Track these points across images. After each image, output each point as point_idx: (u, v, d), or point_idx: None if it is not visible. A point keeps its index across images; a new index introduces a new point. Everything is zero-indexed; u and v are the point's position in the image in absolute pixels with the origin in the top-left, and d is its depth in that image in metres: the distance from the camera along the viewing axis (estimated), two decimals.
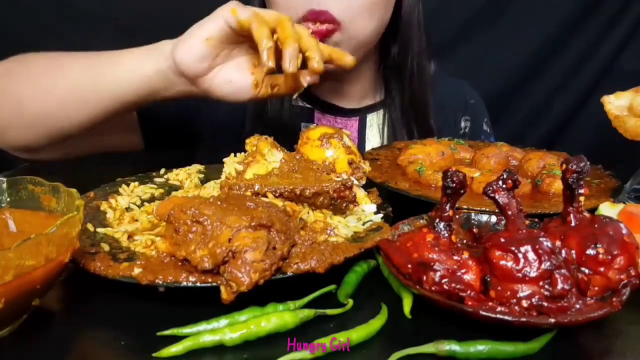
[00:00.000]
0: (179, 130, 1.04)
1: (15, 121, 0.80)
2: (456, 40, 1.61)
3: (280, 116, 1.02)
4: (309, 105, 1.07)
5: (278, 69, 0.68)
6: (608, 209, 0.62)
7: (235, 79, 0.73)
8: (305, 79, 0.72)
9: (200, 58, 0.70)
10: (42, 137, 0.80)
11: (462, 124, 1.17)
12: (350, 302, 0.51)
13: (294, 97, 0.74)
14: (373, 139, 1.08)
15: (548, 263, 0.46)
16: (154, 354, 0.44)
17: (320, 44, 0.70)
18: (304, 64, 0.69)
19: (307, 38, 0.68)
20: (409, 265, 0.50)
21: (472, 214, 0.63)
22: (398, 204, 0.67)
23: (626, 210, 0.61)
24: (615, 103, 0.78)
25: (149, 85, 0.74)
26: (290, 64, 0.65)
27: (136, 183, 0.74)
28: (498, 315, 0.45)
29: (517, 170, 0.84)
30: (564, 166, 0.53)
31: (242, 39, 0.70)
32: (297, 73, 0.71)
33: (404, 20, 1.01)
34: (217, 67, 0.72)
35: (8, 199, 0.56)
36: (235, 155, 0.68)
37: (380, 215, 0.64)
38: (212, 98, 0.75)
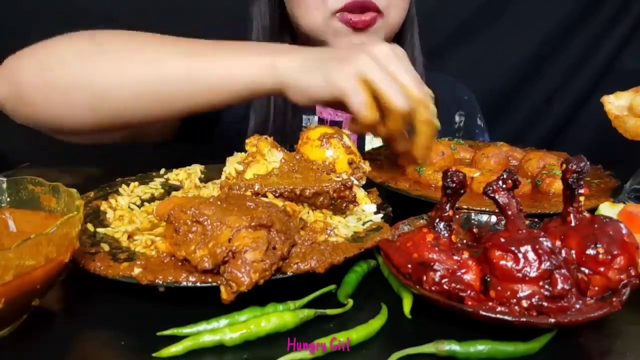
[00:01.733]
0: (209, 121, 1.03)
1: (90, 110, 0.72)
2: (456, 40, 1.61)
3: (282, 110, 1.01)
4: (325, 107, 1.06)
5: None
6: (608, 209, 0.62)
7: None
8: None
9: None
10: (109, 123, 0.74)
11: (457, 119, 1.18)
12: (350, 302, 0.51)
13: None
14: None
15: (548, 263, 0.46)
16: (154, 354, 0.44)
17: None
18: None
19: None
20: (409, 265, 0.50)
21: (472, 214, 0.63)
22: (398, 204, 0.67)
23: (626, 210, 0.61)
24: (615, 103, 0.77)
25: (251, 93, 0.71)
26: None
27: (136, 183, 0.74)
28: (498, 315, 0.45)
29: (517, 170, 0.84)
30: (564, 166, 0.53)
31: None
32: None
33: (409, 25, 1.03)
34: None
35: (8, 199, 0.56)
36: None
37: (380, 215, 0.64)
38: None
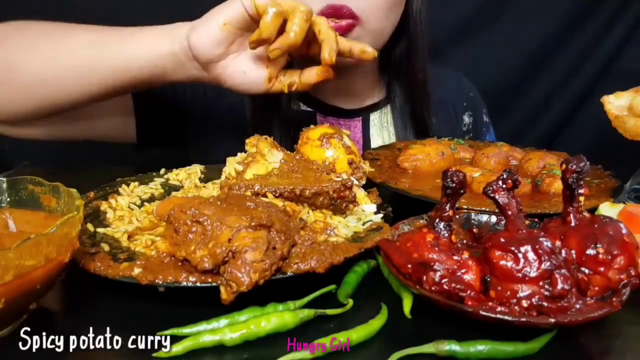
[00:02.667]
0: (173, 122, 1.02)
1: (5, 88, 0.76)
2: (456, 40, 1.61)
3: (281, 121, 1.00)
4: (310, 109, 1.06)
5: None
6: (608, 209, 0.62)
7: (249, 70, 0.72)
8: (317, 74, 0.71)
9: (215, 43, 0.69)
10: (32, 108, 0.78)
11: (466, 120, 1.17)
12: (350, 302, 0.51)
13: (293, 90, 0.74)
14: (378, 138, 1.08)
15: (548, 263, 0.46)
16: (154, 354, 0.44)
17: (341, 38, 0.69)
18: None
19: (327, 29, 0.67)
20: (409, 265, 0.50)
21: (472, 214, 0.63)
22: (398, 204, 0.67)
23: (626, 210, 0.61)
24: (615, 103, 0.77)
25: (159, 67, 0.72)
26: (328, 54, 0.66)
27: (136, 183, 0.74)
28: (498, 315, 0.45)
29: (517, 170, 0.84)
30: (564, 166, 0.53)
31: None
32: (313, 68, 0.71)
33: (412, 21, 1.00)
34: (231, 54, 0.71)
35: (8, 199, 0.56)
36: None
37: (380, 215, 0.64)
38: (222, 86, 0.74)
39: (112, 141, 1.00)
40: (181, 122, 1.03)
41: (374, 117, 1.09)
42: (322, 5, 0.86)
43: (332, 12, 0.86)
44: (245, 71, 0.72)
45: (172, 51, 0.71)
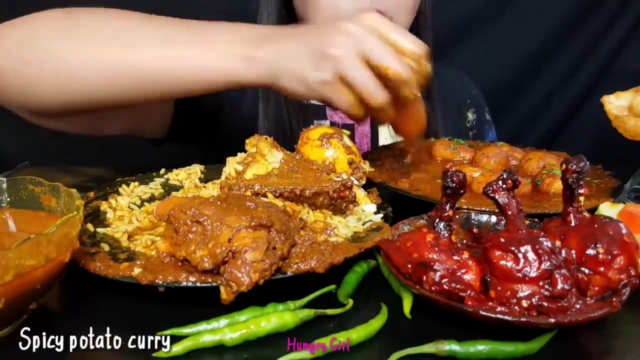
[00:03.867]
0: (207, 118, 1.00)
1: (58, 88, 0.68)
2: (456, 40, 1.61)
3: (291, 115, 1.01)
4: (319, 103, 1.06)
5: None
6: (608, 209, 0.62)
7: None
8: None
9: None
10: (77, 104, 0.70)
11: (470, 117, 1.18)
12: (350, 302, 0.51)
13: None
14: (386, 132, 1.08)
15: (548, 263, 0.46)
16: (154, 354, 0.44)
17: None
18: None
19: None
20: (409, 265, 0.50)
21: (472, 214, 0.63)
22: (398, 204, 0.67)
23: (626, 210, 0.61)
24: (615, 103, 0.77)
25: (229, 84, 0.67)
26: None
27: (136, 183, 0.74)
28: (498, 315, 0.45)
29: (517, 170, 0.84)
30: (564, 166, 0.53)
31: None
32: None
33: (422, 16, 1.04)
34: None
35: (8, 199, 0.56)
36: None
37: (380, 215, 0.64)
38: None
39: (145, 136, 0.98)
40: (213, 120, 1.01)
41: None
42: (355, 11, 0.87)
43: None
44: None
45: (248, 75, 0.65)
